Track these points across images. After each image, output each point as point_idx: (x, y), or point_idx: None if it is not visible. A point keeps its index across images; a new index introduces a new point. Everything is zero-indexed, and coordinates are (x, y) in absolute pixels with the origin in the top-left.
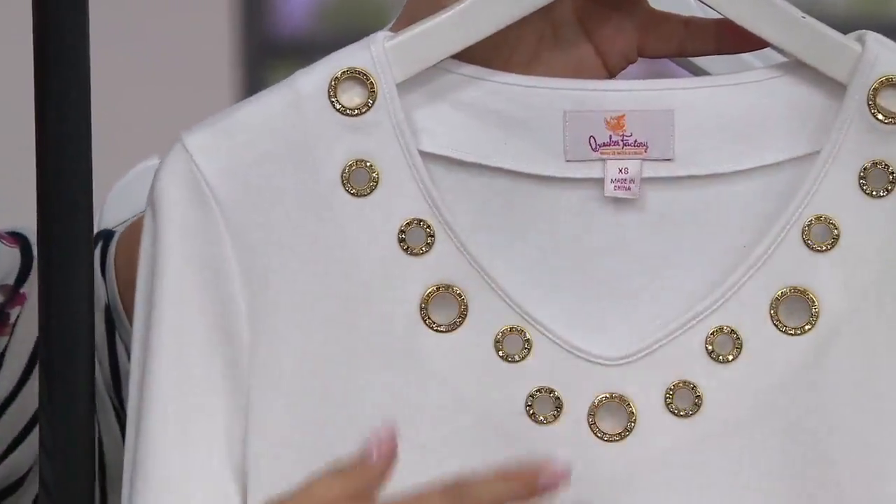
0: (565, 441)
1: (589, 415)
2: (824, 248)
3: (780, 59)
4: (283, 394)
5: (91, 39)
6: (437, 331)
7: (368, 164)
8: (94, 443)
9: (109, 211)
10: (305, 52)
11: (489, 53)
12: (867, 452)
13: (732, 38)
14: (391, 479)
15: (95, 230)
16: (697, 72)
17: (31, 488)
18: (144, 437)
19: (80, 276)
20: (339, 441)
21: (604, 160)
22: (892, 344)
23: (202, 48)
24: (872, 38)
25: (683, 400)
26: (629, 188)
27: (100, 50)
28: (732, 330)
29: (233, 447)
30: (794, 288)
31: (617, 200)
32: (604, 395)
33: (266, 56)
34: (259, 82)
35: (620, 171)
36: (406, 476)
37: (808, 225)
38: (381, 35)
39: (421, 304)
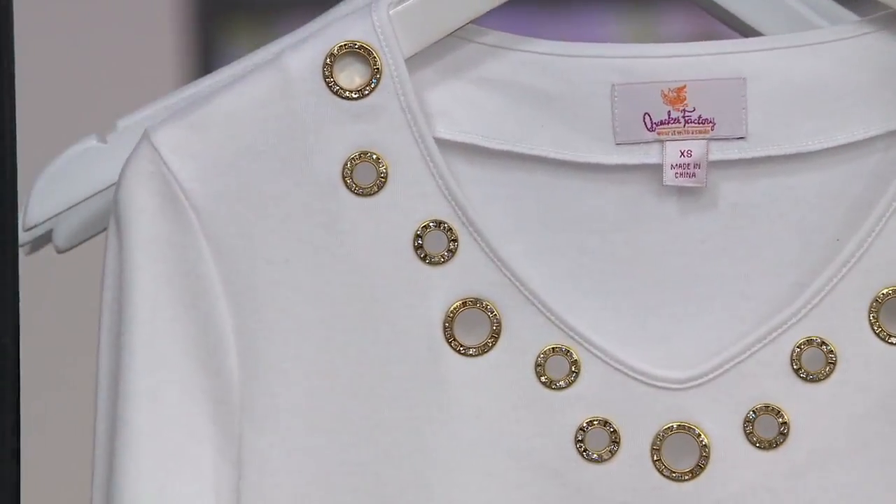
0: (625, 481)
1: (653, 449)
2: None
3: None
4: (282, 438)
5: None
6: (465, 354)
7: (375, 156)
8: (17, 474)
9: (36, 203)
10: (274, 7)
11: None
12: None
13: None
14: None
15: (20, 225)
16: (749, 34)
17: None
18: (117, 497)
19: (3, 280)
20: (351, 493)
21: (662, 142)
22: None
23: (141, 3)
24: None
25: (766, 428)
26: (693, 174)
27: (23, 12)
28: (824, 342)
29: (223, 503)
30: None
31: (679, 190)
32: (670, 426)
33: (221, 12)
34: (213, 46)
35: (682, 153)
36: None
37: None
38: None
39: (444, 323)
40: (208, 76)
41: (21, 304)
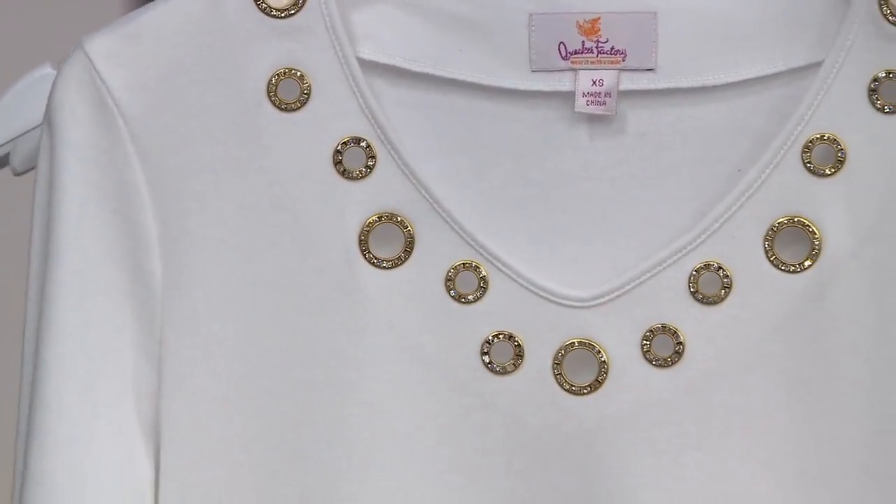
0: (527, 393)
1: (554, 364)
2: (828, 171)
3: None
4: (202, 341)
5: None
6: (378, 266)
7: (298, 73)
8: None
9: None
10: None
11: None
12: (875, 407)
13: None
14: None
15: None
16: None
17: None
18: (41, 392)
19: None
20: (267, 395)
21: (575, 70)
22: None
23: None
24: None
25: (663, 347)
26: (604, 103)
27: None
28: (720, 266)
29: (143, 401)
30: (793, 217)
31: (590, 117)
32: (571, 342)
33: None
34: None
35: (594, 82)
36: (345, 434)
37: (810, 145)
38: None
39: (360, 236)
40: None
41: None
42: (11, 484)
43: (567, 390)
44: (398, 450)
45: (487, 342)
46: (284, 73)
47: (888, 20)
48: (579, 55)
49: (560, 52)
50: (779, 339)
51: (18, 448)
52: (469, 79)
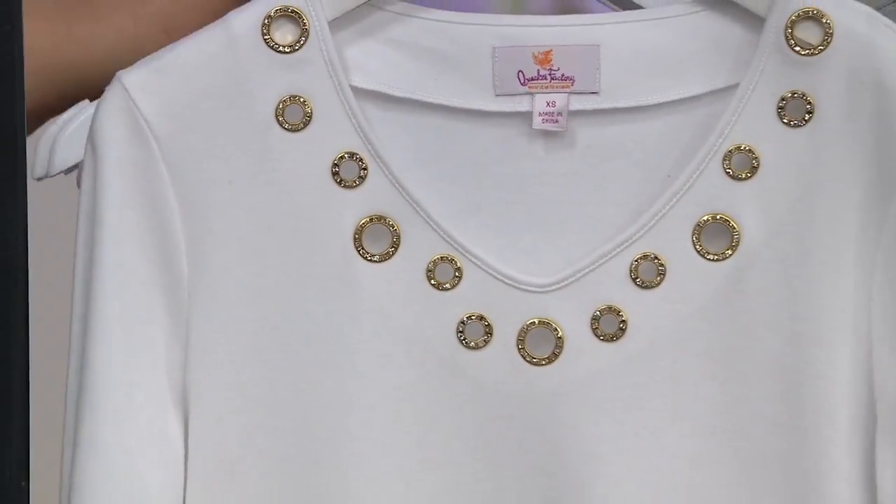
0: (496, 365)
1: (518, 340)
2: (744, 176)
3: None
4: (222, 325)
5: None
6: (370, 261)
7: (302, 99)
8: (27, 388)
9: (41, 157)
10: None
11: None
12: (784, 373)
13: None
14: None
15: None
16: (625, 5)
17: None
18: (89, 369)
19: (15, 222)
20: (276, 369)
21: (532, 94)
22: (809, 267)
23: None
24: None
25: (609, 324)
26: (557, 121)
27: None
28: (656, 256)
29: (173, 375)
30: (716, 215)
31: (545, 133)
32: (532, 321)
33: None
34: None
35: (548, 104)
36: (343, 400)
37: (729, 154)
38: None
39: (355, 235)
40: (179, 42)
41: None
42: (61, 451)
43: (529, 362)
44: (388, 413)
45: (462, 322)
46: (290, 100)
47: (793, 49)
48: (535, 81)
49: (519, 79)
50: (706, 317)
51: (68, 420)
52: (443, 102)
